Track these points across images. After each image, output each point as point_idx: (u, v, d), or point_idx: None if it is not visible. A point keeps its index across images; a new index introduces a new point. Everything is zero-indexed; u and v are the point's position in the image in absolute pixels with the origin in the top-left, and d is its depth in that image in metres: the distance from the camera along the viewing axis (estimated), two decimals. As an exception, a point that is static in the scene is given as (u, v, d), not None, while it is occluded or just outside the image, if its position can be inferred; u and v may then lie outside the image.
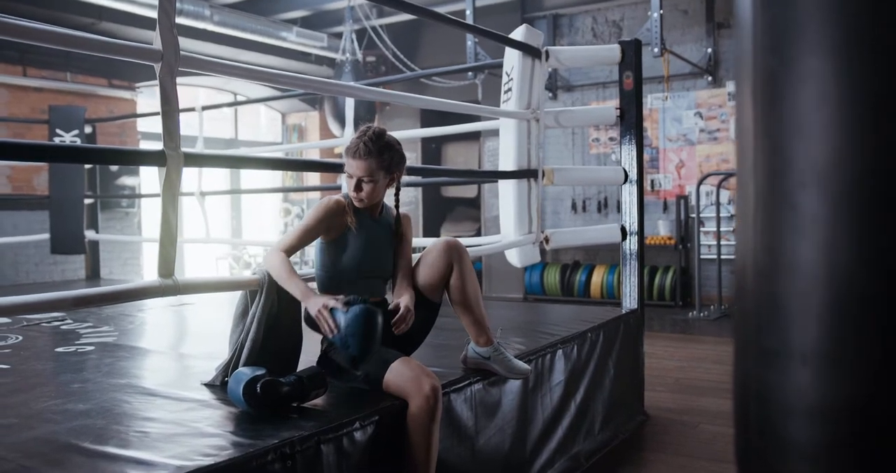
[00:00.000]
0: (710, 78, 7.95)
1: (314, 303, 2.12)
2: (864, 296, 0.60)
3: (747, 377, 0.67)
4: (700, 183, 7.44)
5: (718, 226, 7.35)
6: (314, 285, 2.39)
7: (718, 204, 7.38)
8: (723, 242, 7.56)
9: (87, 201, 6.05)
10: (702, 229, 7.70)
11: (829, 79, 0.60)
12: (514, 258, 3.76)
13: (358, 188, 2.25)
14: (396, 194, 2.39)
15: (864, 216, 0.59)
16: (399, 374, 2.10)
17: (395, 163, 2.29)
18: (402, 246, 2.41)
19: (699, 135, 8.12)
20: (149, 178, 7.68)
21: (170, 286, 1.98)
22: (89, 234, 6.02)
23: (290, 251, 2.24)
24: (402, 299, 2.23)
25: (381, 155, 2.23)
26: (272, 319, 2.27)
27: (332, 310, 2.10)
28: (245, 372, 1.98)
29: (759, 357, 0.66)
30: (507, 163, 3.67)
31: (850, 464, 0.61)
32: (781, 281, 0.64)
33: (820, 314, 0.62)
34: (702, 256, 7.49)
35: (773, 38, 0.63)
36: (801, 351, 0.62)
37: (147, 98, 7.67)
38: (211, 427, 1.90)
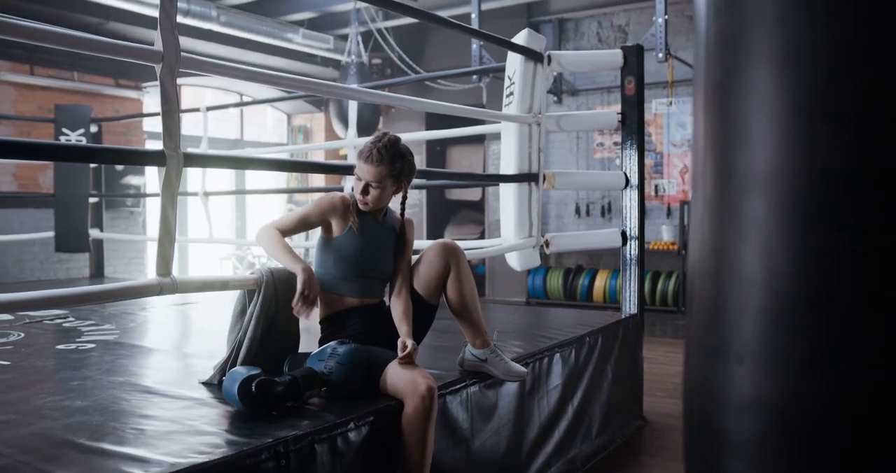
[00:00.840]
0: (715, 83, 7.94)
1: (304, 271, 2.15)
2: (795, 298, 0.62)
3: (693, 374, 0.69)
4: (704, 188, 7.43)
5: (722, 232, 7.31)
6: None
7: (722, 209, 7.35)
8: (726, 248, 7.52)
9: (92, 200, 6.08)
10: (705, 235, 7.68)
11: (770, 89, 0.62)
12: (513, 261, 3.77)
13: (365, 192, 2.27)
14: (403, 203, 2.42)
15: (799, 220, 0.61)
16: (395, 375, 2.11)
17: (406, 172, 2.32)
18: (403, 250, 2.43)
19: (704, 140, 8.11)
20: (155, 178, 7.69)
21: (167, 284, 2.00)
22: (93, 233, 6.06)
23: (282, 232, 2.28)
24: (406, 339, 2.20)
25: (392, 163, 2.26)
26: (269, 319, 2.28)
27: (329, 345, 2.15)
28: (240, 372, 1.99)
29: (702, 355, 0.68)
30: (508, 166, 3.68)
31: (778, 457, 0.63)
32: (723, 283, 0.66)
33: (755, 314, 0.64)
34: (705, 262, 7.47)
35: (721, 50, 0.65)
36: (737, 349, 0.64)
37: (153, 98, 7.70)
38: (206, 425, 1.91)
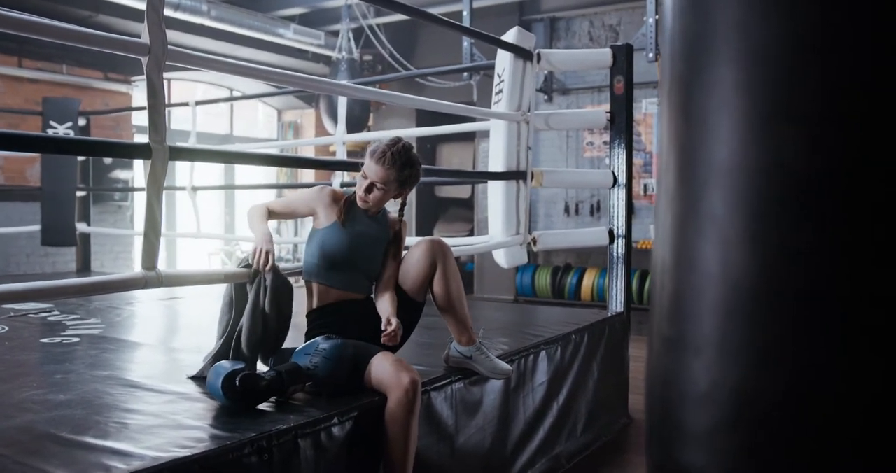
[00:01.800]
0: (704, 84, 7.96)
1: (262, 233, 2.29)
2: (751, 293, 0.63)
3: (654, 366, 0.70)
4: (692, 188, 7.45)
5: (710, 232, 7.34)
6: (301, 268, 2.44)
7: (710, 209, 7.37)
8: (714, 248, 7.55)
9: (80, 194, 6.05)
10: (693, 234, 7.71)
11: (732, 88, 0.63)
12: (500, 258, 3.78)
13: (369, 190, 2.32)
14: (402, 209, 2.44)
15: (758, 217, 0.62)
16: (379, 368, 2.11)
17: (411, 180, 2.37)
18: (394, 249, 2.44)
19: (693, 140, 8.13)
20: (143, 172, 7.65)
21: (152, 278, 1.99)
22: (81, 227, 6.02)
23: (270, 213, 2.40)
24: (392, 316, 2.22)
25: (402, 169, 2.30)
26: (258, 312, 2.28)
27: (315, 340, 2.16)
28: (224, 366, 1.99)
29: (662, 346, 0.69)
30: (496, 164, 3.69)
31: (731, 448, 0.64)
32: (682, 276, 0.67)
33: (712, 308, 0.65)
34: (692, 261, 7.49)
35: (685, 48, 0.66)
36: (694, 341, 0.65)
37: (143, 92, 7.64)
38: (190, 419, 1.91)
